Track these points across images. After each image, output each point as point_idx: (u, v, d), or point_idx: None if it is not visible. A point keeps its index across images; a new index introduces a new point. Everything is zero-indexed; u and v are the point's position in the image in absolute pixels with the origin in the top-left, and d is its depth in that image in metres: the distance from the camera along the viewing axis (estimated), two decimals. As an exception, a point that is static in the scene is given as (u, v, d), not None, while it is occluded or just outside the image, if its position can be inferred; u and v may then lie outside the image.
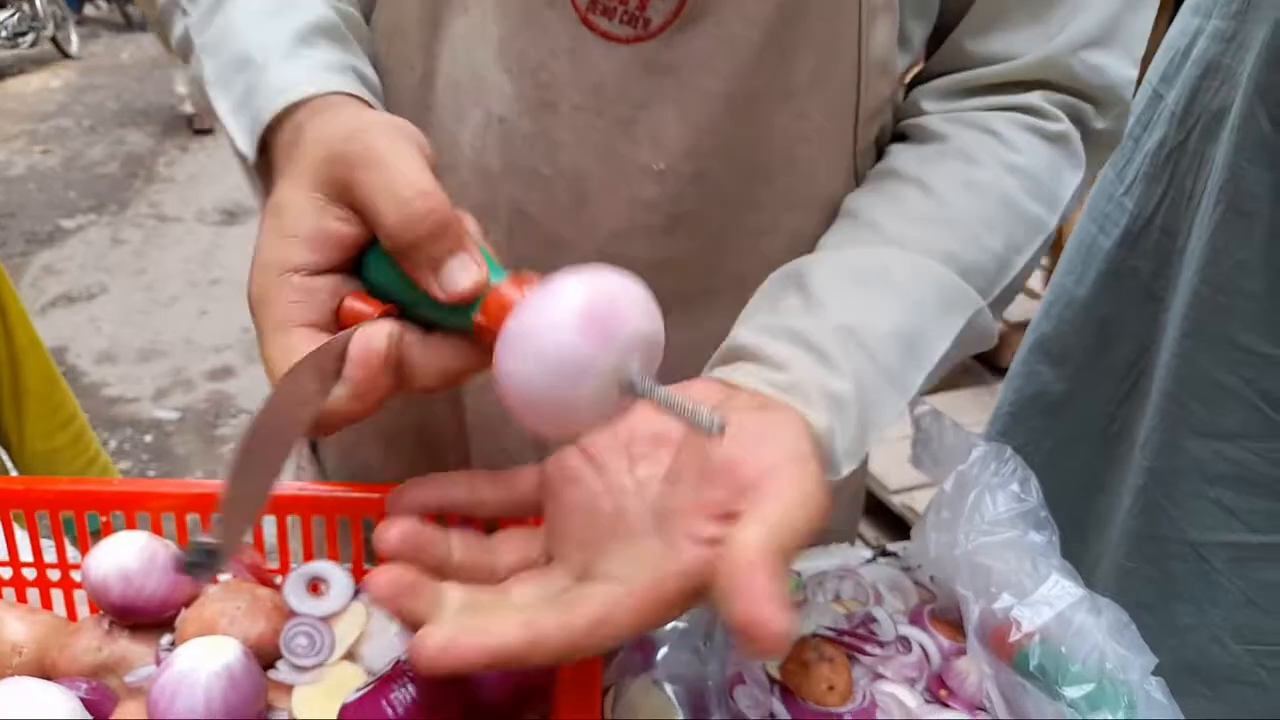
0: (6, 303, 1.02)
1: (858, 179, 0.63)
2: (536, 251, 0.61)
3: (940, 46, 0.63)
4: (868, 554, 0.67)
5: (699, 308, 0.63)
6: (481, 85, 0.58)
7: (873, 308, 0.51)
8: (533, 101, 0.57)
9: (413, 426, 0.72)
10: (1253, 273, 0.80)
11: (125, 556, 0.56)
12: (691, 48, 0.56)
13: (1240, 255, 0.80)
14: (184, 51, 0.59)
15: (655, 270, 0.60)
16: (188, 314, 3.46)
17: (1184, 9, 0.90)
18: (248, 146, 0.50)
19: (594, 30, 0.56)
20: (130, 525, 0.60)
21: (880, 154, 0.63)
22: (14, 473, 1.06)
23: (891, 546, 0.67)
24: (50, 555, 0.62)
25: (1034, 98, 0.60)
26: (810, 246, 0.59)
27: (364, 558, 0.62)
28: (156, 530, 0.59)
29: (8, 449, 1.07)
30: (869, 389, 0.48)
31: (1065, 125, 0.60)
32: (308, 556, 0.62)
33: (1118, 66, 0.60)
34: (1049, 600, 0.54)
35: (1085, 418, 0.99)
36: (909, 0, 0.59)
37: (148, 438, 2.77)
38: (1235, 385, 0.85)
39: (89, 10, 8.34)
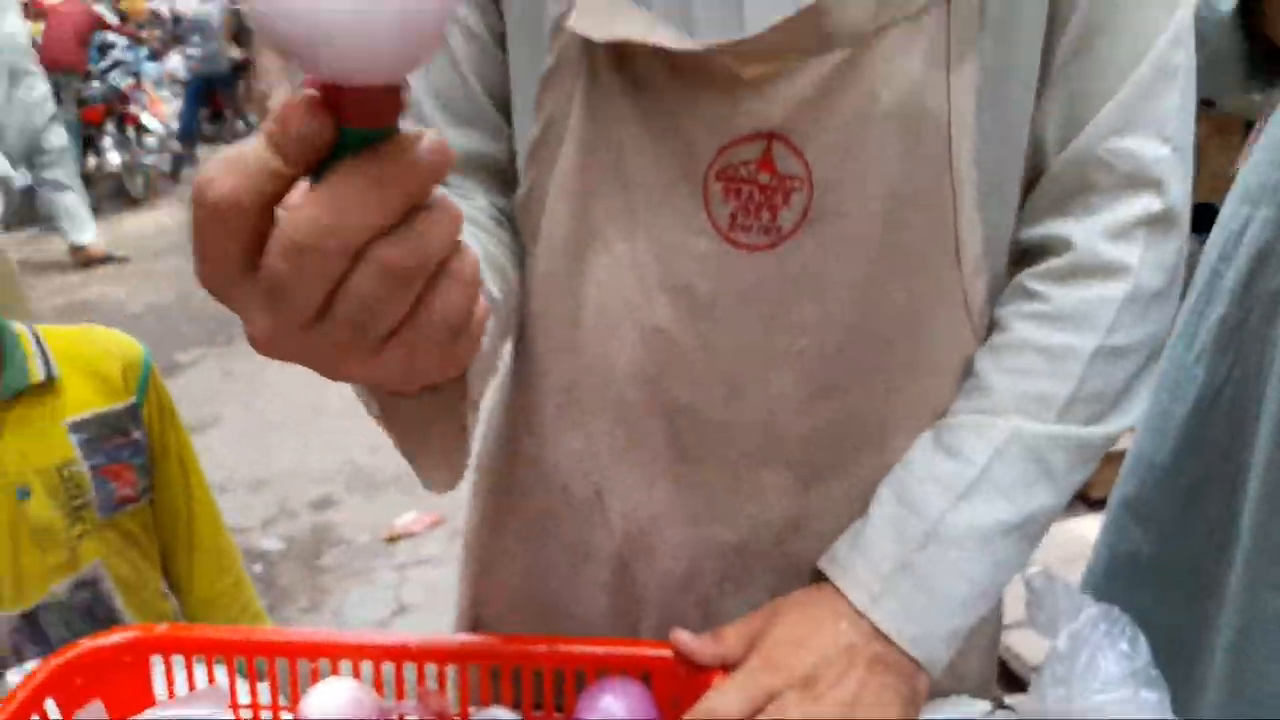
0: (188, 462, 1.13)
1: (977, 338, 0.71)
2: (698, 438, 0.70)
3: None
4: (986, 706, 0.73)
5: (848, 468, 0.71)
6: (632, 306, 0.67)
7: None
8: (688, 312, 0.66)
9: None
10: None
11: (338, 703, 0.64)
12: (819, 246, 0.64)
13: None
14: None
15: (805, 440, 0.69)
16: (292, 445, 3.61)
17: (1232, 195, 0.95)
18: None
19: (736, 245, 0.64)
20: (334, 673, 0.68)
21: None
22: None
23: (1009, 700, 0.73)
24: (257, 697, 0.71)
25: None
26: (937, 404, 0.70)
27: (532, 704, 0.70)
28: (356, 677, 0.68)
29: (177, 594, 1.17)
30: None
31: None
32: (484, 703, 0.70)
33: (1140, 147, 0.66)
34: (1164, 758, 0.59)
35: (1176, 577, 1.02)
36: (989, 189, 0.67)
37: (256, 568, 2.88)
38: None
39: (201, 151, 8.92)
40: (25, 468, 1.00)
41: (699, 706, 0.61)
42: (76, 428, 1.03)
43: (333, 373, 0.40)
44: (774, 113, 0.61)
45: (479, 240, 0.65)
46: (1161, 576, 1.04)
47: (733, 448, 0.69)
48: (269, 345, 0.37)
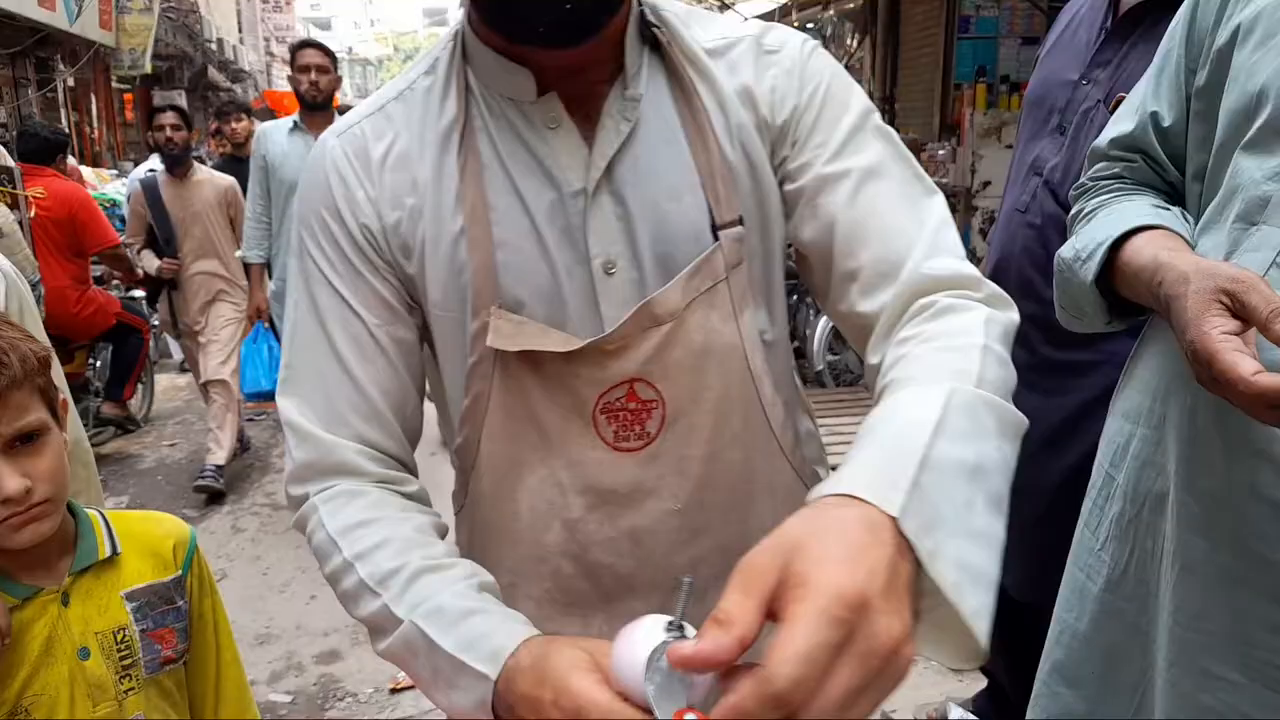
0: (220, 625, 1.29)
1: (794, 469, 1.02)
2: (615, 585, 0.97)
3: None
4: None
5: (723, 581, 0.87)
6: (555, 505, 0.96)
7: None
8: (594, 504, 0.95)
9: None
10: (1210, 618, 1.00)
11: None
12: (676, 440, 0.95)
13: (1199, 603, 1.01)
14: (378, 625, 0.84)
15: (691, 566, 0.97)
16: (299, 599, 3.71)
17: (1115, 412, 1.14)
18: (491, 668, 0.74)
19: (620, 451, 0.95)
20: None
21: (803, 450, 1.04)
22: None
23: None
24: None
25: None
26: (775, 520, 0.70)
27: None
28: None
29: (202, 751, 1.30)
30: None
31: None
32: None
33: (951, 263, 0.87)
34: None
35: (1108, 735, 1.16)
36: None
37: (263, 721, 2.95)
38: (1217, 706, 1.02)
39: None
40: (87, 631, 1.15)
41: (789, 680, 0.52)
42: (132, 596, 1.19)
43: None
44: (631, 366, 0.93)
45: (415, 523, 0.89)
46: (1096, 734, 1.17)
47: (641, 584, 0.98)
48: None
